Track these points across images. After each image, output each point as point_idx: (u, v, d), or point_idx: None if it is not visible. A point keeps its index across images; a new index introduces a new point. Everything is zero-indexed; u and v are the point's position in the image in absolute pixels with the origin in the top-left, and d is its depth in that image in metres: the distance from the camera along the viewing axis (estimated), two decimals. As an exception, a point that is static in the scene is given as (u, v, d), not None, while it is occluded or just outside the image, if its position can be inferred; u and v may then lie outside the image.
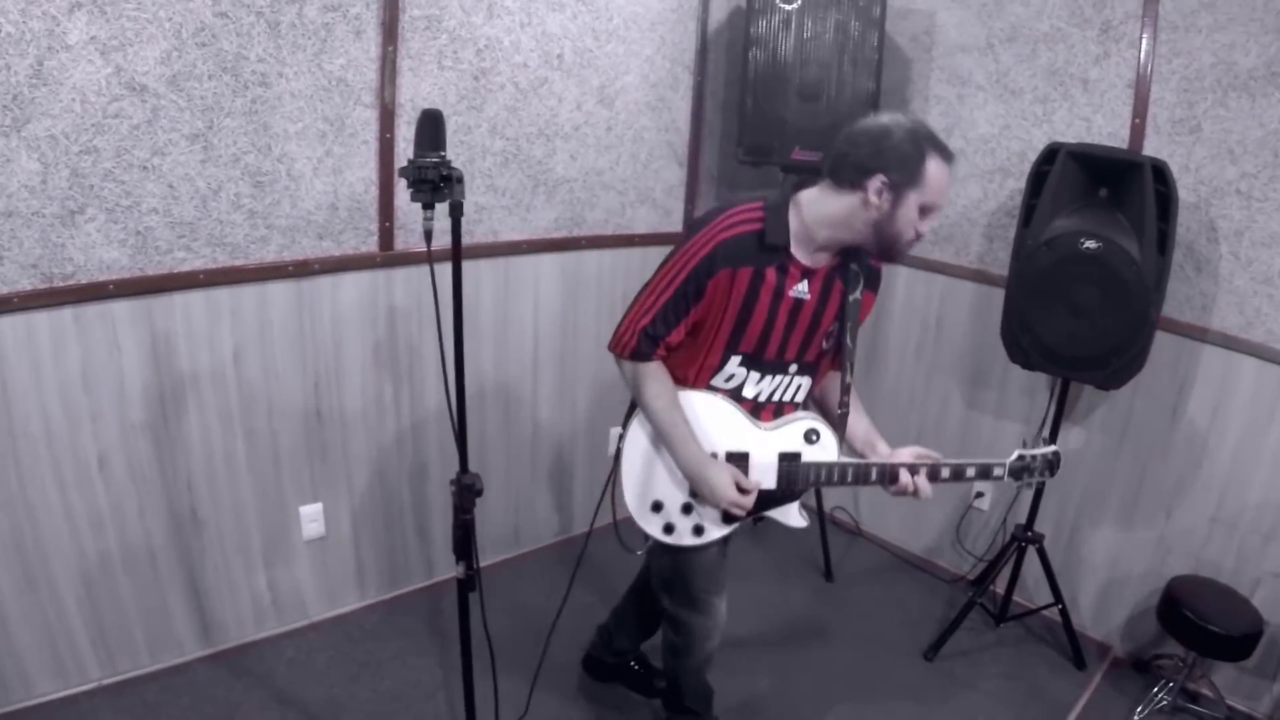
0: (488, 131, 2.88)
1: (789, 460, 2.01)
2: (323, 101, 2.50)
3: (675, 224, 3.59)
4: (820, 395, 2.18)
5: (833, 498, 3.88)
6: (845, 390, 2.04)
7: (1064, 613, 3.03)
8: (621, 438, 2.07)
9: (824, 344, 2.02)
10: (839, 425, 2.05)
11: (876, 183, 1.75)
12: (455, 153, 1.78)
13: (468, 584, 1.91)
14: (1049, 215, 2.63)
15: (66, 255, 2.20)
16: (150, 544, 2.55)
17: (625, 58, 3.18)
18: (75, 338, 2.28)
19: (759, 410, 2.03)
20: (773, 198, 1.89)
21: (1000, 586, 3.21)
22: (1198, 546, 2.86)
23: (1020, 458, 2.03)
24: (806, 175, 2.01)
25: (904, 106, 3.34)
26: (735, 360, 1.97)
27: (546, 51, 2.94)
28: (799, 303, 1.91)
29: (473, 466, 1.84)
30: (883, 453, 2.04)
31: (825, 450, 2.02)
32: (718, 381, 1.99)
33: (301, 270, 2.62)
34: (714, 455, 1.98)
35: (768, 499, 2.03)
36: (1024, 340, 2.75)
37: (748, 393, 2.00)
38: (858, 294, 1.97)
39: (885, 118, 1.79)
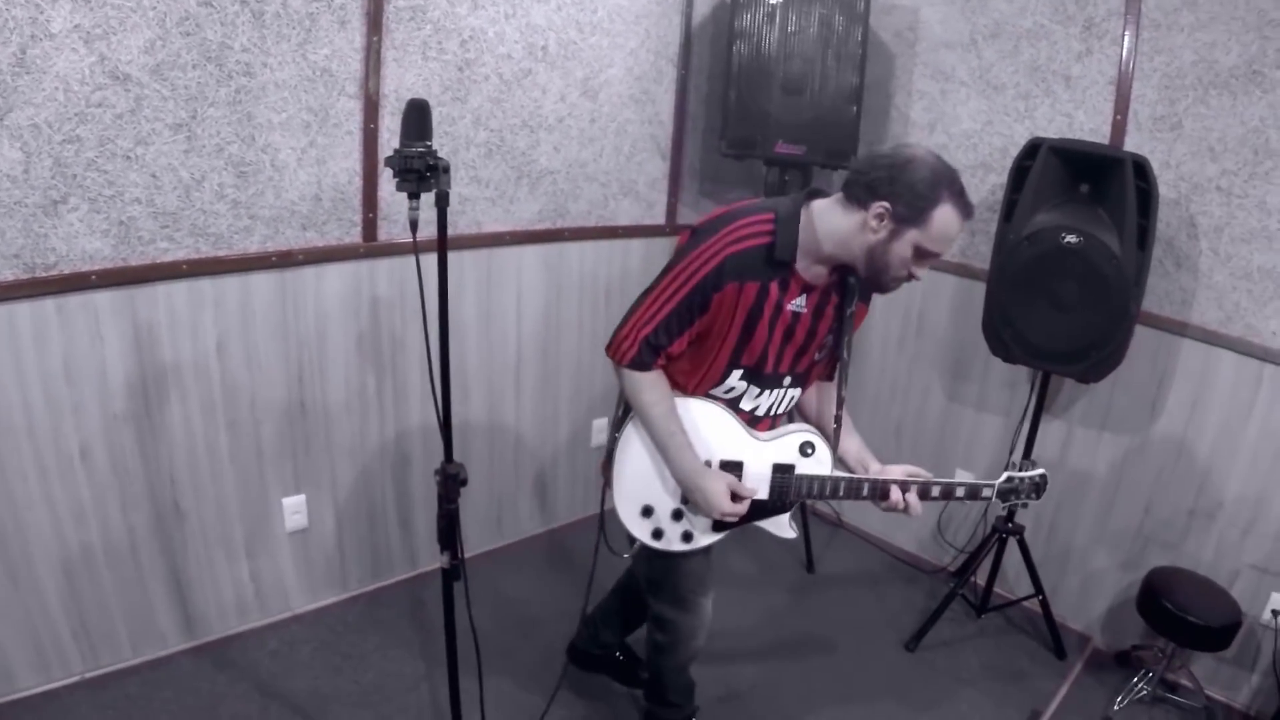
0: (471, 123, 2.88)
1: (783, 472, 2.00)
2: (307, 92, 2.49)
3: (658, 216, 3.59)
4: (804, 404, 2.18)
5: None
6: (839, 404, 2.04)
7: (1044, 604, 3.06)
8: (614, 441, 2.06)
9: (816, 355, 2.02)
10: (832, 437, 2.05)
11: (879, 208, 1.72)
12: (439, 143, 1.77)
13: (452, 574, 1.91)
14: (1030, 210, 2.65)
15: (49, 245, 2.19)
16: (132, 536, 2.53)
17: (609, 50, 3.18)
18: (57, 328, 2.26)
19: (755, 422, 2.02)
20: (784, 209, 1.84)
21: (981, 578, 3.24)
22: (1177, 538, 2.89)
23: (1009, 479, 2.05)
24: (817, 186, 1.97)
25: (887, 101, 3.36)
26: (737, 374, 1.95)
27: (531, 43, 2.94)
28: (795, 316, 1.90)
29: (456, 457, 1.85)
30: (874, 470, 2.03)
31: (819, 464, 2.01)
32: (717, 393, 1.98)
33: (285, 261, 2.61)
34: (709, 463, 1.97)
35: (759, 509, 2.03)
36: (1005, 334, 2.77)
37: (745, 406, 2.00)
38: (853, 307, 1.97)
39: (919, 150, 1.75)
